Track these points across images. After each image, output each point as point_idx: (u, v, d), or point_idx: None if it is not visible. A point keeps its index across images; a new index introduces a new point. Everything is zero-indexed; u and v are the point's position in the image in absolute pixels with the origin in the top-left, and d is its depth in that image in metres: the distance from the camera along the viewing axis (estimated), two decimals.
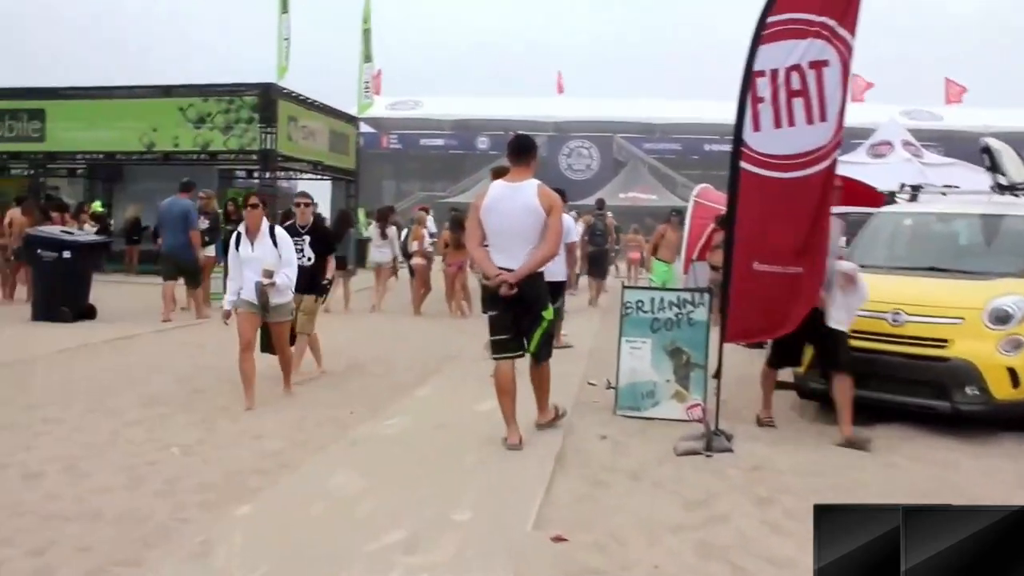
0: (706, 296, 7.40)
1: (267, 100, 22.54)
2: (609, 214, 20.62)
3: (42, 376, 8.45)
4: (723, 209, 16.82)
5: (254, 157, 23.13)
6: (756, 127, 6.32)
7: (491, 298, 6.12)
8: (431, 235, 15.91)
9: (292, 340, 8.20)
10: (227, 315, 7.42)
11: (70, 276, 12.34)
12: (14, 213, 15.37)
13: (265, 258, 7.35)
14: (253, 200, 7.68)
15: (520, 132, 7.57)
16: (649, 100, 57.65)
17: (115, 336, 11.00)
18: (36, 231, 13.09)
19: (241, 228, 7.55)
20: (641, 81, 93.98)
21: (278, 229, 7.63)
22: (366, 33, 29.90)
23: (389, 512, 4.70)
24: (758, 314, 6.52)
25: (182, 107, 22.72)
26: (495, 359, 6.28)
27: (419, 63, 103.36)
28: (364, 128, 46.18)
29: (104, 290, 14.62)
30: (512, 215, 6.00)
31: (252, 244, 7.42)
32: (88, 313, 12.54)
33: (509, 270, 5.95)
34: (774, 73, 6.22)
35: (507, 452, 6.05)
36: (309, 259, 8.53)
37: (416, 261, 15.20)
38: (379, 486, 5.20)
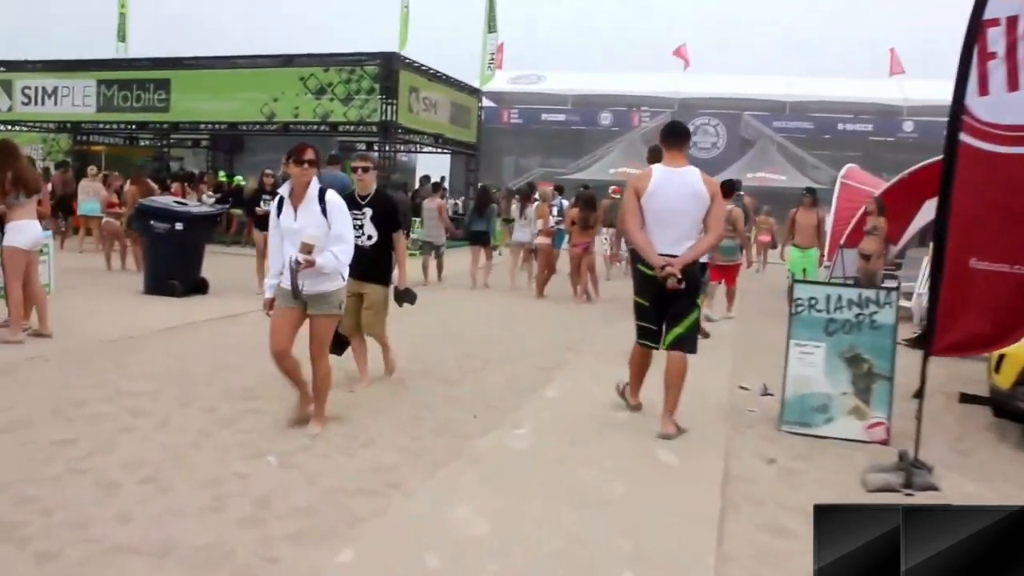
0: (892, 295, 6.17)
1: (388, 70, 21.86)
2: (745, 195, 19.26)
3: (140, 357, 7.81)
4: (872, 191, 15.31)
5: (374, 129, 22.51)
6: (983, 90, 5.03)
7: (644, 284, 6.01)
8: (559, 212, 14.93)
9: (341, 347, 6.85)
10: (268, 304, 5.75)
11: (181, 248, 11.78)
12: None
13: (306, 230, 5.46)
14: (309, 155, 5.54)
15: (675, 119, 7.43)
16: (778, 76, 55.18)
17: (220, 315, 10.36)
18: (148, 202, 12.61)
19: (284, 190, 5.72)
20: (769, 58, 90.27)
21: (331, 194, 5.61)
22: (491, 1, 28.98)
23: (525, 572, 3.74)
24: (975, 322, 5.23)
25: (303, 77, 22.26)
26: (638, 342, 6.29)
27: (542, 38, 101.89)
28: (485, 102, 45.56)
29: (222, 262, 14.19)
30: (677, 200, 5.90)
31: (296, 212, 5.59)
32: (200, 287, 12.02)
33: (671, 256, 5.82)
34: (1012, 21, 4.92)
35: (662, 478, 5.10)
36: (370, 237, 6.84)
37: (540, 241, 14.19)
38: (509, 526, 4.23)
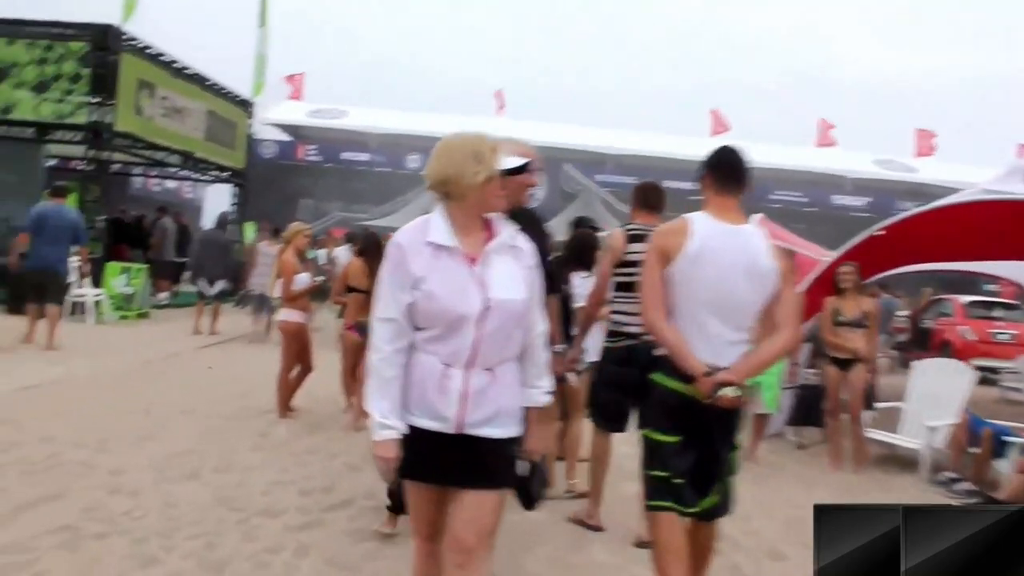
0: None
1: (103, 51, 15.19)
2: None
3: None
4: (803, 251, 10.61)
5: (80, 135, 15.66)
6: None
7: (674, 409, 3.45)
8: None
9: None
10: None
11: None
12: None
13: None
14: None
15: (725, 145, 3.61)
16: (600, 129, 51.96)
17: None
18: None
19: None
20: (585, 110, 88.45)
21: None
22: None
23: None
24: None
25: None
26: (652, 508, 3.50)
27: (350, 75, 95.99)
28: (279, 136, 39.37)
29: None
30: (730, 276, 3.41)
31: None
32: None
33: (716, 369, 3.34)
34: None
35: None
36: None
37: (285, 316, 8.02)
38: None
